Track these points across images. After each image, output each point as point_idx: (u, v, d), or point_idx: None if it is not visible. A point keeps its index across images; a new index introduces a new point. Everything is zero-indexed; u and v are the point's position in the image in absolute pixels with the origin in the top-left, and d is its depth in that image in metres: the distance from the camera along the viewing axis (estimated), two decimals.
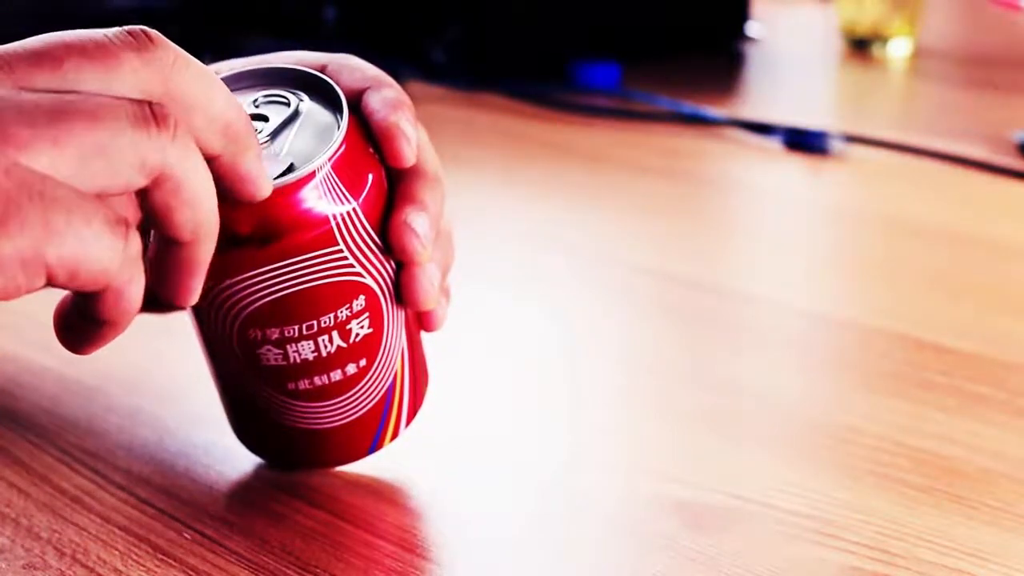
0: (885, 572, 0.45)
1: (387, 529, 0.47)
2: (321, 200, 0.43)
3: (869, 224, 0.84)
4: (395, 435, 0.49)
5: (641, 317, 0.69)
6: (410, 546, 0.46)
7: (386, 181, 0.46)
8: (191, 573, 0.45)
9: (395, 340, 0.48)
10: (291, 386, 0.46)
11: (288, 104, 0.44)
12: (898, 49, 1.27)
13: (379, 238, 0.46)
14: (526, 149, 0.98)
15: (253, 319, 0.44)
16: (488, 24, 1.15)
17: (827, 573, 0.45)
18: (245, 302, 0.44)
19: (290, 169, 0.43)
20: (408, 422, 0.50)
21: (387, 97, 0.46)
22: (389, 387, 0.48)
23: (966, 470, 0.52)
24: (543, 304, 0.69)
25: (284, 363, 0.45)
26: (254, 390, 0.47)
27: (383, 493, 0.50)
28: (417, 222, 0.45)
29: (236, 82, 0.45)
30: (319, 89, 0.45)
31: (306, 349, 0.45)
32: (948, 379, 0.59)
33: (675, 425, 0.56)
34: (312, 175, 0.43)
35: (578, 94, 1.09)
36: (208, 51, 1.21)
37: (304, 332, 0.45)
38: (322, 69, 0.47)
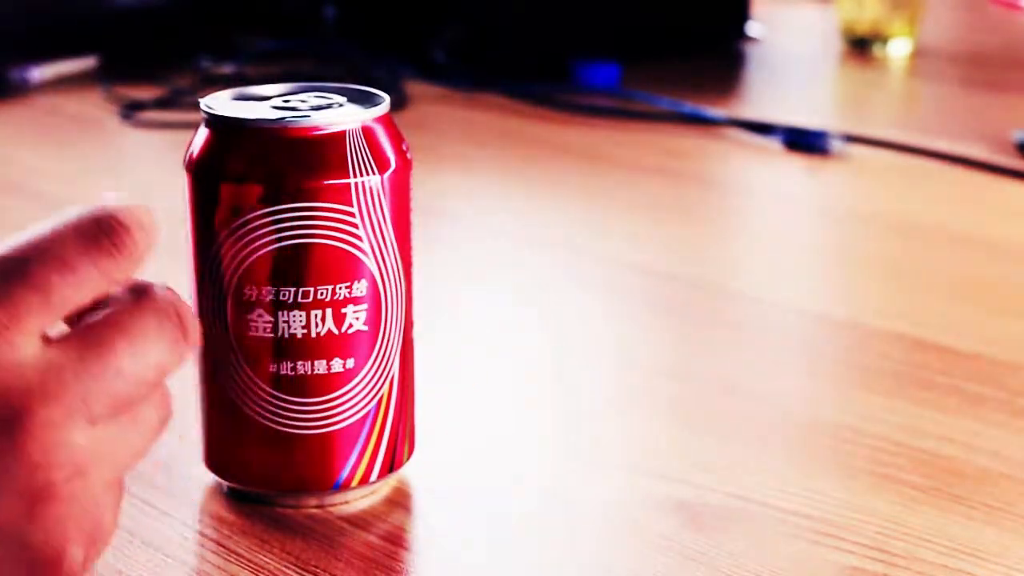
0: (885, 572, 0.45)
1: (387, 529, 0.47)
2: (346, 158, 0.45)
3: (869, 224, 0.84)
4: (364, 480, 0.48)
5: (640, 317, 0.69)
6: (410, 547, 0.46)
7: (409, 186, 0.47)
8: (191, 573, 0.45)
9: (388, 358, 0.47)
10: (273, 368, 0.46)
11: (330, 101, 0.47)
12: (898, 49, 1.27)
13: (394, 238, 0.46)
14: (526, 149, 0.98)
15: (253, 271, 0.45)
16: (488, 24, 1.15)
17: (827, 573, 0.45)
18: (252, 246, 0.45)
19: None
20: (381, 474, 0.48)
21: None
22: (372, 411, 0.47)
23: (966, 470, 0.52)
24: (543, 304, 0.69)
25: (271, 335, 0.45)
26: (234, 374, 0.47)
27: (383, 493, 0.49)
28: None
29: (297, 88, 0.48)
30: (360, 96, 0.48)
31: (296, 322, 0.45)
32: (948, 379, 0.59)
33: (675, 425, 0.56)
34: (342, 131, 0.45)
35: (578, 94, 1.09)
36: (208, 51, 1.22)
37: (299, 299, 0.45)
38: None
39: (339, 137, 0.45)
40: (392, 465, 0.49)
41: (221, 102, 0.47)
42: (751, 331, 0.67)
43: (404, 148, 0.47)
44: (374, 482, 0.48)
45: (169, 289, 0.40)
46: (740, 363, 0.62)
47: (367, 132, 0.46)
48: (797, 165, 0.94)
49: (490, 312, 0.67)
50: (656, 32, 1.24)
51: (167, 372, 0.39)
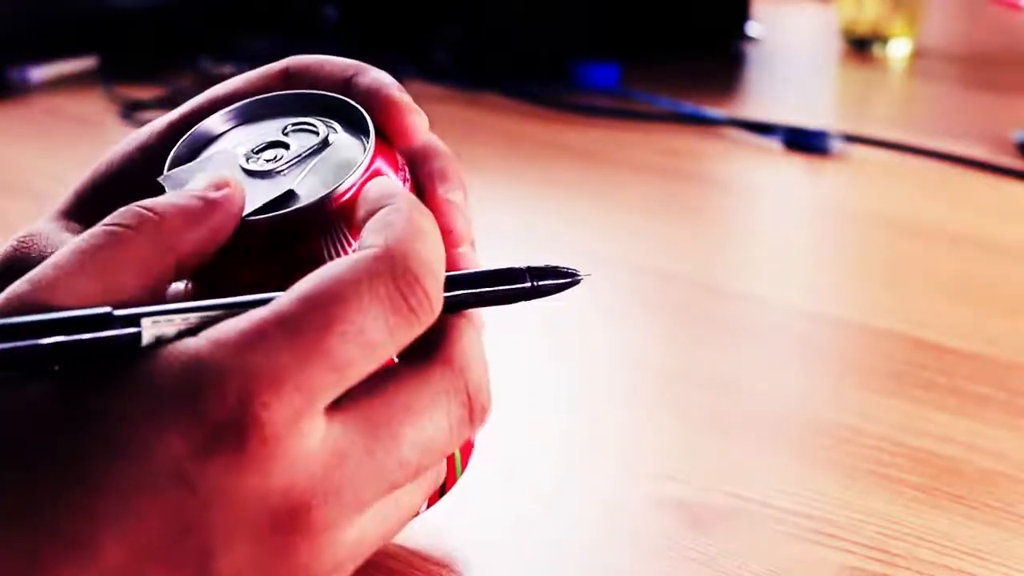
0: (885, 572, 0.45)
1: None
2: (319, 240, 0.38)
3: (869, 224, 0.84)
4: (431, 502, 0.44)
5: (641, 317, 0.68)
6: (409, 547, 0.46)
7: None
8: None
9: None
10: None
11: (316, 133, 0.41)
12: (898, 49, 1.27)
13: None
14: (526, 149, 0.98)
15: None
16: (488, 24, 1.15)
17: (827, 573, 0.45)
18: None
19: (291, 199, 0.39)
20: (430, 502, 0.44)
21: (378, 77, 0.42)
22: None
23: (966, 470, 0.52)
24: (542, 303, 0.69)
25: None
26: None
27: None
28: (456, 198, 0.43)
29: (262, 108, 0.42)
30: (350, 117, 0.41)
31: None
32: (948, 379, 0.59)
33: (675, 425, 0.56)
34: (310, 212, 0.38)
35: (578, 94, 1.09)
36: (208, 51, 1.22)
37: None
38: (284, 73, 0.43)
39: (306, 214, 0.38)
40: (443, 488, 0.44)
41: (181, 174, 0.40)
42: (751, 331, 0.67)
43: (404, 179, 0.41)
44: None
45: (464, 335, 0.37)
46: (740, 363, 0.62)
47: (345, 202, 0.38)
48: (797, 165, 0.94)
49: (487, 310, 0.67)
50: (656, 32, 1.24)
51: (444, 456, 0.36)
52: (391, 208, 0.36)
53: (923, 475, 0.51)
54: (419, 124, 0.42)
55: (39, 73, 1.13)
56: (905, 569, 0.45)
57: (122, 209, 0.36)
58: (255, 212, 0.38)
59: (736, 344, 0.65)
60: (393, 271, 0.34)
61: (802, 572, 0.45)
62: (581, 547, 0.47)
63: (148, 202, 0.36)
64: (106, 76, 1.12)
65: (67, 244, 0.35)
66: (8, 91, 1.10)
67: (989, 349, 0.62)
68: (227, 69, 1.13)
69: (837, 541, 0.47)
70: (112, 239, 0.35)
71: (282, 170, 0.40)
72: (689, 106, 1.04)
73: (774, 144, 0.96)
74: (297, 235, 0.38)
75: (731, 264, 0.78)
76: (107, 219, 0.35)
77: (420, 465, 0.35)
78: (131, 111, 1.03)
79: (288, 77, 0.44)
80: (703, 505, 0.49)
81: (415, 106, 0.42)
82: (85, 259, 0.34)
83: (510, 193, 0.89)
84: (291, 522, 0.33)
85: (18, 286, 0.34)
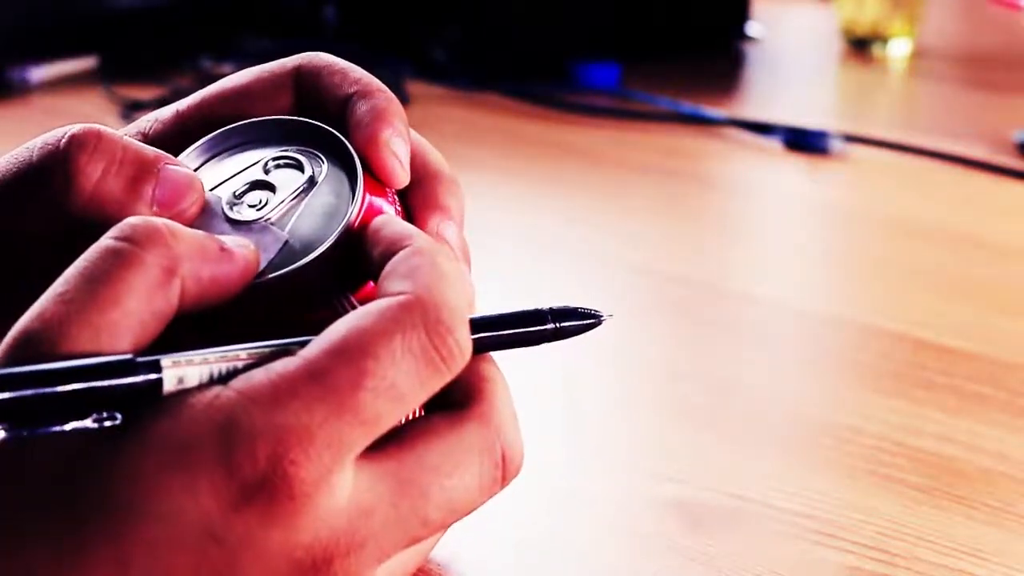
0: (885, 572, 0.45)
1: None
2: (314, 295, 0.38)
3: (869, 224, 0.83)
4: None
5: (641, 317, 0.68)
6: None
7: None
8: None
9: None
10: None
11: (302, 169, 0.40)
12: (898, 49, 1.27)
13: None
14: (526, 149, 0.98)
15: None
16: (488, 24, 1.15)
17: (827, 573, 0.45)
18: None
19: (287, 254, 0.38)
20: None
21: (376, 106, 0.41)
22: None
23: (966, 470, 0.51)
24: (542, 304, 0.69)
25: None
26: None
27: None
28: (447, 233, 0.42)
29: (240, 136, 0.41)
30: (334, 148, 0.40)
31: None
32: (948, 379, 0.59)
33: (675, 425, 0.56)
34: (307, 270, 0.37)
35: (578, 94, 1.09)
36: (208, 51, 1.21)
37: None
38: (295, 71, 0.43)
39: (299, 275, 0.37)
40: None
41: None
42: (751, 331, 0.67)
43: (396, 211, 0.40)
44: None
45: (497, 388, 0.37)
46: (740, 363, 0.62)
47: (336, 254, 0.37)
48: (797, 165, 0.94)
49: (487, 311, 0.67)
50: (656, 32, 1.24)
51: (470, 513, 0.37)
52: (412, 250, 0.36)
53: (923, 475, 0.51)
54: (399, 172, 0.40)
55: (39, 73, 1.12)
56: (905, 569, 0.45)
57: (133, 221, 0.34)
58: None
59: (736, 344, 0.65)
60: (426, 322, 0.34)
61: (802, 572, 0.45)
62: (581, 547, 0.47)
63: (165, 221, 0.35)
64: (106, 76, 1.12)
65: (72, 267, 0.34)
66: (8, 91, 1.10)
67: (989, 349, 0.62)
68: (227, 69, 1.13)
69: (837, 541, 0.47)
70: (118, 261, 0.33)
71: (270, 217, 0.39)
72: (689, 106, 1.04)
73: (774, 144, 0.96)
74: (295, 293, 0.37)
75: (731, 264, 0.78)
76: (114, 231, 0.34)
77: (444, 522, 0.36)
78: (131, 111, 1.03)
79: (298, 76, 0.43)
80: (703, 505, 0.49)
81: (400, 147, 0.40)
82: (95, 289, 0.33)
83: (510, 193, 0.89)
84: (313, 573, 0.33)
85: (29, 323, 0.33)
